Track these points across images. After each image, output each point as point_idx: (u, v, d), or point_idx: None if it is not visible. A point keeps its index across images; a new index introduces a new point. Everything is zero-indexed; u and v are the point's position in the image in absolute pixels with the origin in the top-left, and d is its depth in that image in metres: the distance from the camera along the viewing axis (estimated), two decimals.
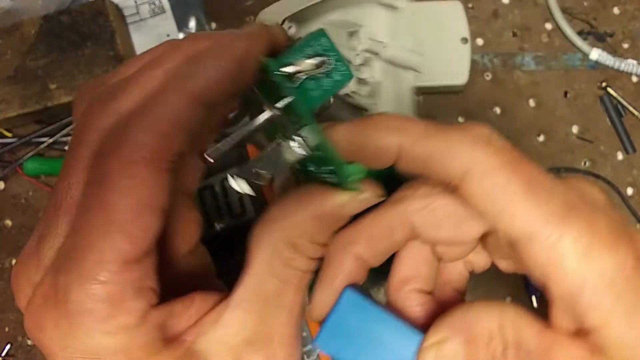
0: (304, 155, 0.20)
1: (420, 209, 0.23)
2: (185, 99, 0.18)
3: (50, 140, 0.49)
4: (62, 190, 0.18)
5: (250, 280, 0.19)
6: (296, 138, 0.20)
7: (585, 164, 0.52)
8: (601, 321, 0.19)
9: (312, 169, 0.22)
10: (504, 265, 0.26)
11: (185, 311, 0.19)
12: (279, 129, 0.21)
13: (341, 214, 0.21)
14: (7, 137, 0.50)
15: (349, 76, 0.21)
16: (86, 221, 0.17)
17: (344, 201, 0.21)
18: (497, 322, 0.20)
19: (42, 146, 0.49)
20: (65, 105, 0.47)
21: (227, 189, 0.45)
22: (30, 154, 0.49)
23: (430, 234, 0.23)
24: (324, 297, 0.22)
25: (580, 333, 0.20)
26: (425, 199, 0.23)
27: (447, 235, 0.23)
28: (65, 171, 0.18)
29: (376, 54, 0.45)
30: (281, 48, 0.21)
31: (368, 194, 0.21)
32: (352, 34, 0.43)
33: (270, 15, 0.41)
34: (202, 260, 0.22)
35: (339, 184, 0.21)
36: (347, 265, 0.23)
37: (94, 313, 0.17)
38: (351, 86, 0.43)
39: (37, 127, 0.50)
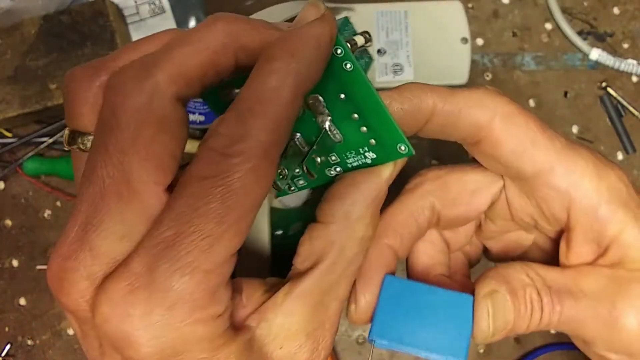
0: (338, 140, 0.21)
1: (436, 189, 0.26)
2: (296, 95, 0.18)
3: (50, 140, 0.49)
4: (114, 177, 0.18)
5: (314, 274, 0.21)
6: (328, 123, 0.21)
7: None
8: (619, 228, 0.22)
9: (333, 157, 0.22)
10: (495, 247, 0.29)
11: (241, 298, 0.20)
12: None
13: (386, 190, 0.22)
14: (7, 137, 0.50)
15: (372, 58, 0.23)
16: (199, 214, 0.17)
17: (389, 173, 0.22)
18: (525, 274, 0.23)
19: (42, 146, 0.49)
20: None
21: None
22: (30, 154, 0.49)
23: (449, 212, 0.26)
24: (368, 296, 0.23)
25: (598, 258, 0.23)
26: (437, 180, 0.26)
27: (463, 209, 0.26)
28: (120, 156, 0.18)
29: None
30: None
31: (401, 159, 0.22)
32: None
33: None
34: None
35: (378, 159, 0.21)
36: (383, 259, 0.24)
37: (194, 302, 0.17)
38: None
39: (37, 127, 0.50)
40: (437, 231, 0.27)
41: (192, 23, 0.51)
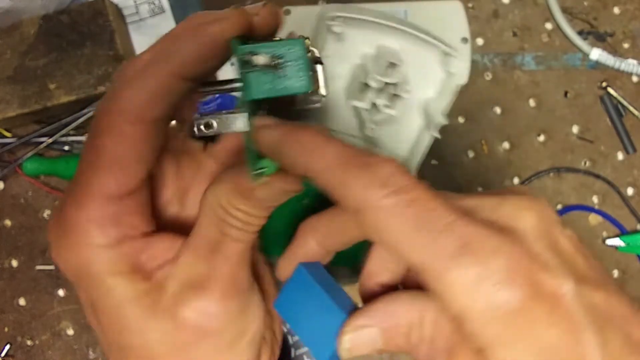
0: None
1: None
2: (164, 73, 0.22)
3: (50, 140, 0.49)
4: None
5: (198, 230, 0.24)
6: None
7: (585, 164, 0.52)
8: (485, 344, 0.20)
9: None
10: None
11: (158, 250, 0.23)
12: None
13: (254, 194, 0.24)
14: (6, 137, 0.50)
15: (305, 88, 0.23)
16: (84, 163, 0.22)
17: (254, 185, 0.23)
18: (418, 316, 0.22)
19: (41, 146, 0.49)
20: (65, 105, 0.47)
21: None
22: (29, 154, 0.49)
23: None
24: (284, 265, 0.26)
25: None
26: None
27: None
28: None
29: (397, 95, 0.43)
30: (261, 32, 0.23)
31: (278, 184, 0.23)
32: (391, 65, 0.43)
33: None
34: None
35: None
36: (306, 246, 0.26)
37: (84, 232, 0.22)
38: (364, 105, 0.43)
39: (37, 127, 0.50)
40: None
41: None
